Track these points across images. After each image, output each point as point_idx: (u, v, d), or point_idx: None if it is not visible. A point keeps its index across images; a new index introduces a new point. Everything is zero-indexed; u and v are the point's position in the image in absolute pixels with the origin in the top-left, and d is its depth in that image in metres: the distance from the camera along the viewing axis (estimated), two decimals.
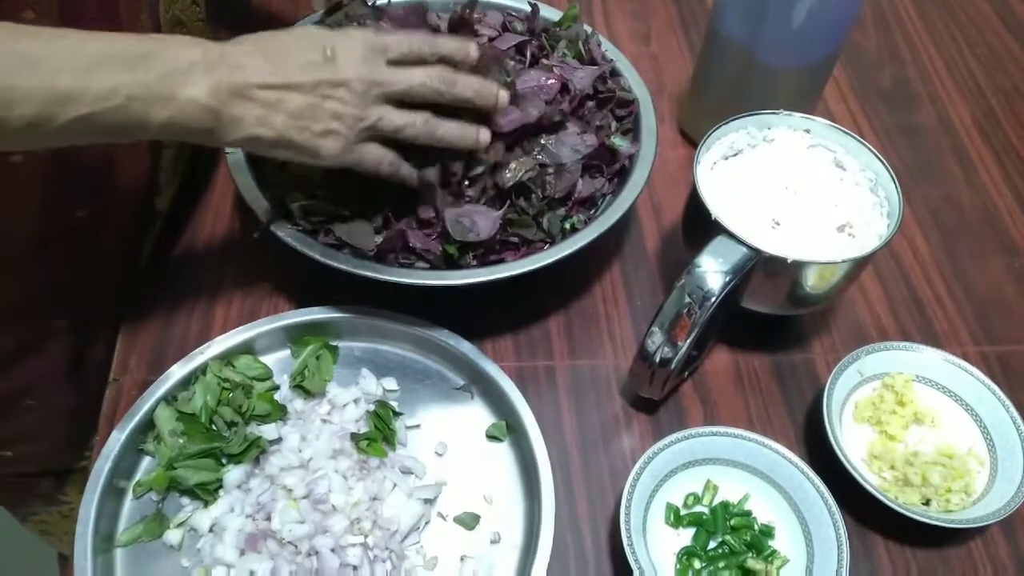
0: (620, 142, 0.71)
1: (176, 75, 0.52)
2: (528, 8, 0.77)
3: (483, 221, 0.65)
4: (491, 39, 0.71)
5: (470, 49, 0.62)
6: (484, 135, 0.63)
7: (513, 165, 0.65)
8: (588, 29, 0.77)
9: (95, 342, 0.74)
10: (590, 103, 0.71)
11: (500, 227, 0.65)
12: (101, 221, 0.69)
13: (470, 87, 0.60)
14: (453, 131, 0.61)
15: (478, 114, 0.62)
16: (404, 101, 0.59)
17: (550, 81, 0.67)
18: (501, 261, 0.66)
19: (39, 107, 0.48)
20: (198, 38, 0.55)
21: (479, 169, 0.64)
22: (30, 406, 0.73)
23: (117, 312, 0.72)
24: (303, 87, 0.55)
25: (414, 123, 0.59)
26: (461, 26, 0.71)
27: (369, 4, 0.76)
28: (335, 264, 0.63)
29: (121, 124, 0.51)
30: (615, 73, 0.76)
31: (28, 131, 0.49)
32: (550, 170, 0.67)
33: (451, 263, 0.66)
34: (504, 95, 0.62)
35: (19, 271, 0.66)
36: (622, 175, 0.72)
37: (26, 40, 0.48)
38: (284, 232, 0.65)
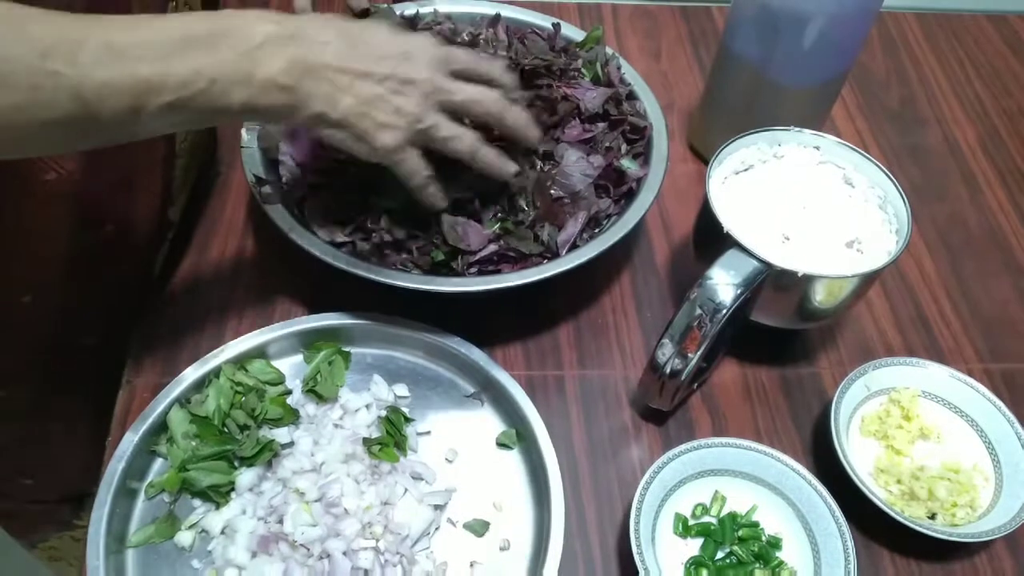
0: (629, 165, 0.72)
1: (252, 52, 0.51)
2: (551, 27, 0.78)
3: (473, 234, 0.66)
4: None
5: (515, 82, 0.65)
6: (511, 168, 0.64)
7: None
8: (609, 51, 0.78)
9: (119, 363, 0.74)
10: (601, 124, 0.72)
11: (496, 239, 0.66)
12: (124, 235, 0.69)
13: (519, 120, 0.63)
14: (491, 158, 0.62)
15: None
16: (455, 115, 0.60)
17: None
18: (498, 272, 0.67)
19: (128, 99, 0.47)
20: (268, 11, 0.54)
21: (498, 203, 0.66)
22: (56, 433, 0.73)
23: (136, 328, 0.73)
24: (375, 76, 0.56)
25: (462, 138, 0.60)
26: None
27: (398, 13, 0.78)
28: (347, 268, 0.64)
29: (206, 108, 0.51)
30: (632, 96, 0.76)
31: (117, 125, 0.48)
32: (566, 200, 0.67)
33: (435, 270, 0.66)
34: (538, 135, 0.65)
35: (51, 291, 0.67)
36: (629, 197, 0.72)
37: (112, 30, 0.47)
38: (300, 237, 0.66)
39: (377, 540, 0.58)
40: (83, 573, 0.57)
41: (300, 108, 0.55)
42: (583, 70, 0.74)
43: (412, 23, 0.77)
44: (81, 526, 0.84)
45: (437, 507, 0.62)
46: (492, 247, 0.66)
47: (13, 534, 0.87)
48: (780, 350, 0.75)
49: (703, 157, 0.88)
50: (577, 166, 0.68)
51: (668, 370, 0.62)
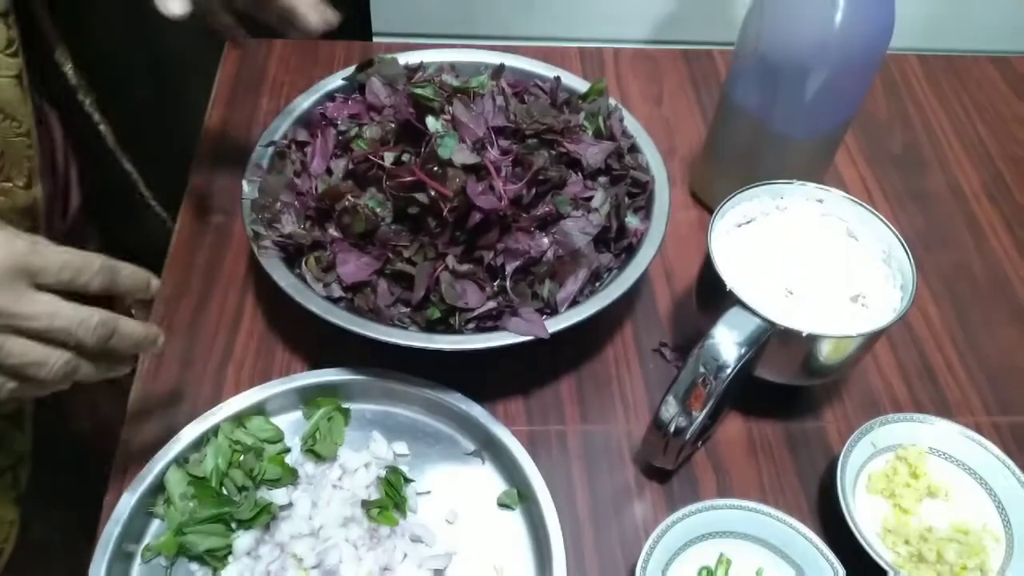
0: (630, 219, 0.71)
1: None
2: (553, 78, 0.78)
3: (472, 293, 0.65)
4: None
5: (151, 283, 0.56)
6: (121, 372, 0.57)
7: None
8: (612, 103, 0.77)
9: None
10: (602, 178, 0.72)
11: (494, 295, 0.66)
12: None
13: (131, 339, 0.54)
14: (95, 377, 0.54)
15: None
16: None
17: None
18: (496, 328, 0.66)
19: None
20: None
21: None
22: None
23: None
24: None
25: (47, 363, 0.50)
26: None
27: (402, 64, 0.78)
28: (344, 325, 0.63)
29: None
30: (634, 149, 0.76)
31: None
32: (566, 259, 0.66)
33: (432, 326, 0.66)
34: (161, 339, 0.57)
35: None
36: (630, 251, 0.71)
37: None
38: (297, 293, 0.65)
39: None
40: None
41: None
42: (585, 123, 0.73)
43: (413, 73, 0.77)
44: None
45: (437, 572, 0.61)
46: (491, 304, 0.65)
47: None
48: (785, 404, 0.74)
49: (705, 203, 0.88)
50: (577, 224, 0.67)
51: (672, 428, 0.62)
